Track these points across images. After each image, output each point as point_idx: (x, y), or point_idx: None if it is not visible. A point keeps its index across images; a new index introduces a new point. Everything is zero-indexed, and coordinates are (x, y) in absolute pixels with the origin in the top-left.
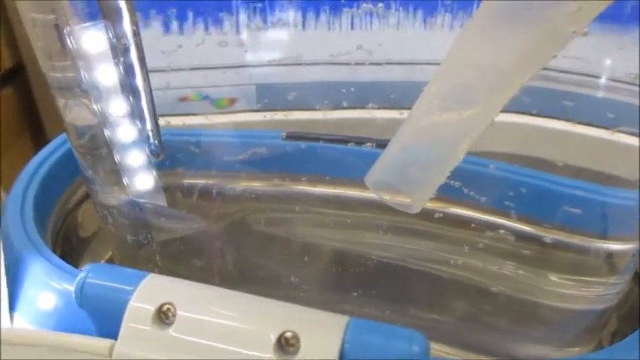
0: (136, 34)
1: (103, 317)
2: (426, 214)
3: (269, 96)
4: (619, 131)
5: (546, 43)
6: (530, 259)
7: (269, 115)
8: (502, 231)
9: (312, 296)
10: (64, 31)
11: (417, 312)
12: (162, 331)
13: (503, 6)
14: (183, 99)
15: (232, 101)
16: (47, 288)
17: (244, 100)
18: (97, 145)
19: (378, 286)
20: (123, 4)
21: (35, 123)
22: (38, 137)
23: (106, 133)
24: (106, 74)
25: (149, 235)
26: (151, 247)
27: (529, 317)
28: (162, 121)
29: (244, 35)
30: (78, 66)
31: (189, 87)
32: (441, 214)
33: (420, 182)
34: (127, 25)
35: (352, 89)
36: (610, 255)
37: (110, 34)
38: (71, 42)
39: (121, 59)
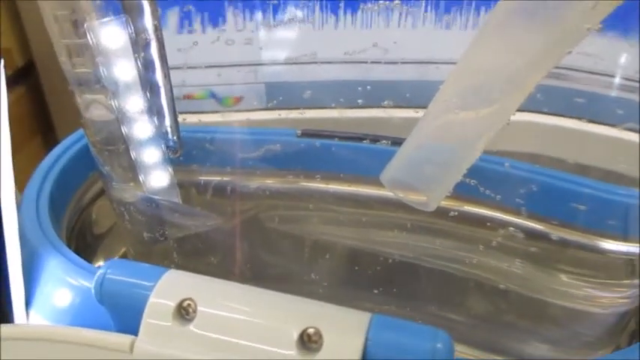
0: (157, 28)
1: (122, 313)
2: (441, 213)
3: (280, 94)
4: (628, 129)
5: (561, 40)
6: (545, 260)
7: (284, 114)
8: (517, 230)
9: (327, 294)
10: (84, 26)
11: (432, 310)
12: (183, 327)
13: (519, 4)
14: (188, 97)
15: (239, 100)
16: (63, 284)
17: (253, 99)
18: (115, 141)
19: (392, 285)
20: None
21: (46, 122)
22: (49, 137)
23: (124, 129)
24: (126, 70)
25: (164, 232)
26: (165, 243)
27: (546, 318)
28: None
29: (257, 33)
30: (98, 62)
31: (197, 85)
32: (457, 213)
33: (436, 180)
34: (147, 19)
35: (368, 87)
36: (630, 257)
37: (130, 29)
38: (91, 37)
39: (142, 54)
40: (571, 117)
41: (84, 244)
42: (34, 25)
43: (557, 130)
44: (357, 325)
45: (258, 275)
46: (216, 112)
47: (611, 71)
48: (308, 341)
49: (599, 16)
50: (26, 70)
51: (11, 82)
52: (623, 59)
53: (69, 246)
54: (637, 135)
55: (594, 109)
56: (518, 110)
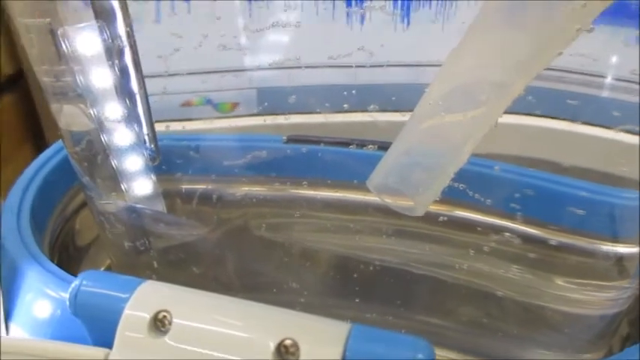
0: (130, 35)
1: (97, 326)
2: (430, 218)
3: (270, 100)
4: (624, 130)
5: (551, 41)
6: (537, 263)
7: (270, 120)
8: (508, 234)
9: (314, 302)
10: (58, 33)
11: (422, 317)
12: (157, 339)
13: (506, 4)
14: (186, 104)
15: (235, 105)
16: (43, 296)
17: (246, 105)
18: (93, 151)
19: (381, 292)
20: (116, 4)
21: (37, 131)
22: (39, 145)
23: (103, 137)
24: (101, 77)
25: (147, 242)
26: (149, 254)
27: (537, 322)
28: (161, 126)
29: (244, 38)
30: (72, 69)
31: (189, 92)
32: (446, 218)
33: (424, 185)
34: (120, 25)
35: (353, 92)
36: (620, 258)
37: (105, 35)
38: (65, 44)
39: (116, 61)
40: (564, 119)
41: (67, 256)
42: None
43: (550, 132)
44: (335, 335)
45: (245, 284)
46: (200, 119)
47: (604, 72)
48: (285, 353)
49: (590, 16)
50: (16, 78)
51: (0, 90)
52: (617, 59)
53: (52, 258)
54: (633, 137)
55: (588, 110)
56: (511, 113)
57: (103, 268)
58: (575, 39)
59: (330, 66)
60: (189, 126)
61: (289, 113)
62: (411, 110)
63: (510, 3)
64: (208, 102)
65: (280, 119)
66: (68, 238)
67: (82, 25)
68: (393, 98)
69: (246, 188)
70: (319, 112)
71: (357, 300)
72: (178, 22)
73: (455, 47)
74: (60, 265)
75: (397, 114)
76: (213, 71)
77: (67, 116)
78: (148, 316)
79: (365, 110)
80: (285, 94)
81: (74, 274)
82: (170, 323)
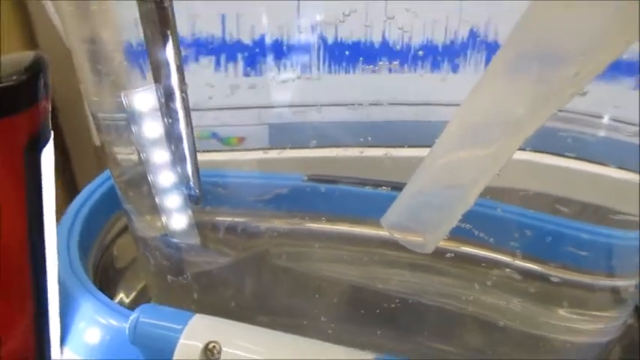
0: (184, 99)
1: (153, 353)
2: (438, 254)
3: (282, 136)
4: (622, 168)
5: (547, 101)
6: (537, 296)
7: (285, 154)
8: (510, 270)
9: (330, 328)
10: (121, 95)
11: (430, 344)
12: None
13: (510, 66)
14: None
15: (241, 140)
16: (95, 323)
17: (255, 139)
18: (139, 183)
19: (392, 320)
20: (174, 70)
21: (65, 163)
22: (66, 176)
23: (150, 178)
24: (154, 129)
25: (186, 273)
26: (188, 283)
27: (538, 350)
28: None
29: (255, 79)
30: (129, 121)
31: (201, 125)
32: (453, 254)
33: (434, 224)
34: (176, 88)
35: (369, 139)
36: (613, 291)
37: (159, 94)
38: (125, 102)
39: (169, 118)
40: (562, 155)
41: (106, 278)
42: (54, 68)
43: (552, 168)
44: None
45: (267, 310)
46: (219, 151)
47: (605, 112)
48: None
49: (582, 83)
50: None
51: None
52: (618, 102)
53: (94, 281)
54: (632, 174)
55: (589, 148)
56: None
57: (135, 292)
58: (570, 101)
59: (344, 104)
60: (209, 156)
61: (300, 148)
62: (424, 146)
63: (513, 62)
64: (214, 135)
65: (296, 154)
66: (107, 262)
67: (141, 89)
68: (406, 143)
69: (269, 222)
70: (335, 147)
71: (370, 327)
72: (211, 72)
73: (465, 100)
74: (100, 287)
75: (409, 151)
76: (226, 108)
77: (120, 156)
78: (201, 345)
79: (379, 146)
80: (297, 130)
81: (112, 295)
82: (219, 352)
